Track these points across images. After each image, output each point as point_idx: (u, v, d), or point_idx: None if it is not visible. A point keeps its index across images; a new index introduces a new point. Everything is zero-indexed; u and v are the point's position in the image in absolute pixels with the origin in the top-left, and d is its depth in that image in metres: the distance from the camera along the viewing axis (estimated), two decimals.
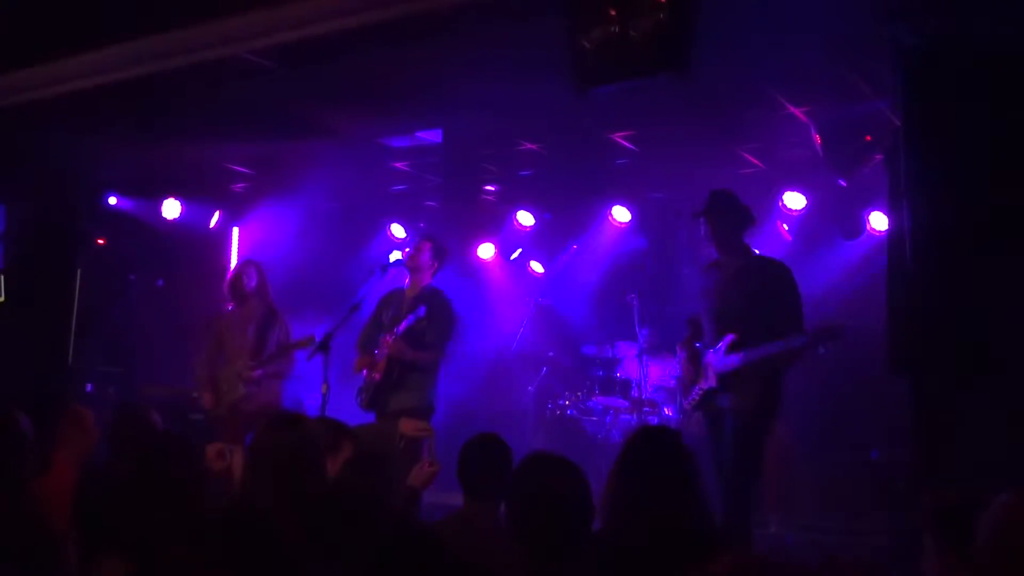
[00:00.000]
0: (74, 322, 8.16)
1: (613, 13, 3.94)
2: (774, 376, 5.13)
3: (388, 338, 6.03)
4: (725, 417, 5.16)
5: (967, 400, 4.28)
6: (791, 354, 5.04)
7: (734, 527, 4.76)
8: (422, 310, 6.00)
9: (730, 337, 5.12)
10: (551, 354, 8.84)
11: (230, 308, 6.85)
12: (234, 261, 9.41)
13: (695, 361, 5.43)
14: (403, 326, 5.98)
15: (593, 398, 8.29)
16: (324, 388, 5.57)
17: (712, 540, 2.80)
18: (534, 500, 2.90)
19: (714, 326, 5.29)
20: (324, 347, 5.70)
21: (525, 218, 9.24)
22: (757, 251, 5.45)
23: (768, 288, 5.14)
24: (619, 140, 7.39)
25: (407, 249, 6.23)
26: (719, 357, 5.18)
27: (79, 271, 8.30)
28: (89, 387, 8.08)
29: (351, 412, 5.94)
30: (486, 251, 9.73)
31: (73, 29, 5.89)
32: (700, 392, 5.32)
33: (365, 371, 6.14)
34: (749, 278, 5.20)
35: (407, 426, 5.18)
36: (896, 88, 4.61)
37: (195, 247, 9.38)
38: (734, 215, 5.31)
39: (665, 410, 7.90)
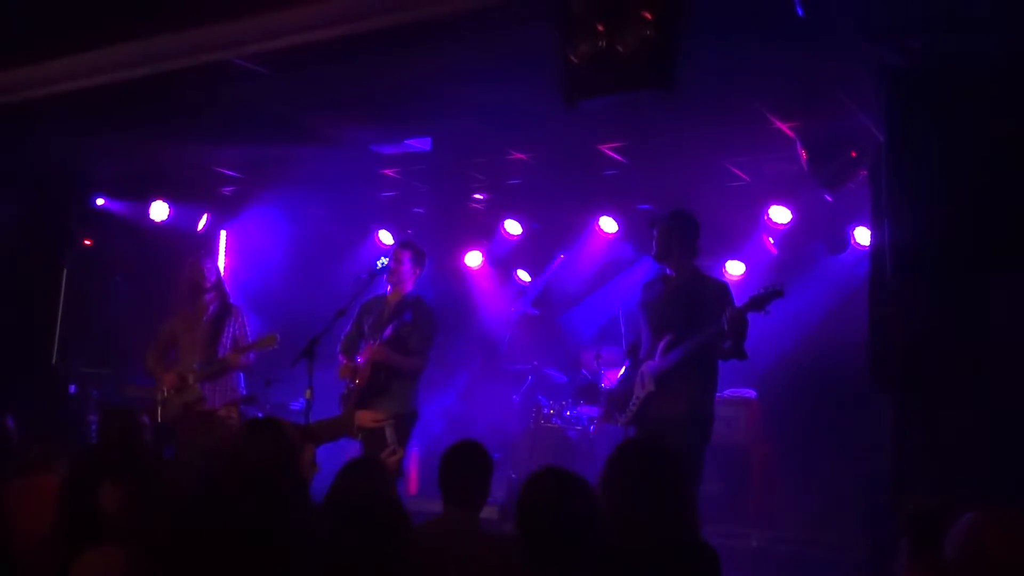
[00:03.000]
0: (59, 323, 8.15)
1: (600, 28, 3.97)
2: (701, 381, 5.25)
3: (371, 344, 6.06)
4: (660, 426, 5.18)
5: (947, 416, 4.32)
6: (721, 336, 5.09)
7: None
8: (407, 315, 6.03)
9: (667, 339, 5.25)
10: (536, 363, 8.86)
11: (185, 305, 6.76)
12: (222, 264, 9.39)
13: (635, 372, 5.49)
14: (387, 332, 6.01)
15: (578, 407, 8.31)
16: (308, 393, 5.57)
17: (697, 549, 2.84)
18: (548, 517, 2.80)
19: (652, 338, 5.41)
20: (309, 353, 5.69)
21: (513, 227, 9.27)
22: (702, 273, 5.57)
23: (706, 303, 5.27)
24: (607, 151, 7.43)
25: (388, 261, 6.23)
26: (657, 359, 5.29)
27: (65, 272, 8.28)
28: (73, 388, 8.06)
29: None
30: (473, 259, 9.76)
31: (64, 30, 5.89)
32: (637, 401, 5.37)
33: (348, 378, 6.15)
34: (688, 294, 5.36)
35: (364, 417, 5.23)
36: (880, 106, 4.66)
37: (183, 250, 9.36)
38: (686, 233, 5.44)
39: None
